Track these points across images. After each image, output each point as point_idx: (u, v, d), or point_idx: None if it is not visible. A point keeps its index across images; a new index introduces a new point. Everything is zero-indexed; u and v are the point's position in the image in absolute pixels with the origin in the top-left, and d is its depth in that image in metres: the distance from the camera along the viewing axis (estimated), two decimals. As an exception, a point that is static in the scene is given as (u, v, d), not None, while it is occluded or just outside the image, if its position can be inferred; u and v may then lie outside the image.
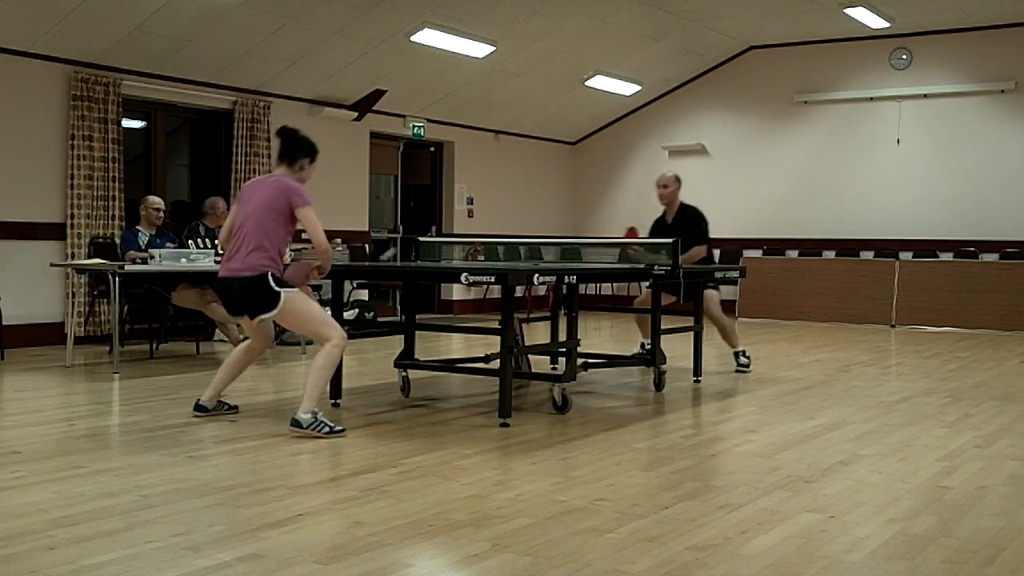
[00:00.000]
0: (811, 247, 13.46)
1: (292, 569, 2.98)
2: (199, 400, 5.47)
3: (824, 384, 7.13)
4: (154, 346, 8.47)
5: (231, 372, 5.44)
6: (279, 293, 5.02)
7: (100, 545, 3.18)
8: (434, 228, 13.44)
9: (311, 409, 4.94)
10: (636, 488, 4.03)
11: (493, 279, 5.15)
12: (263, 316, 5.09)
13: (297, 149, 5.23)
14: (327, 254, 5.17)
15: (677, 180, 7.89)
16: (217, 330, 9.01)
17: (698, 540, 3.32)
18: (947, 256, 12.60)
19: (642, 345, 8.08)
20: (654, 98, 14.63)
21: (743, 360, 7.76)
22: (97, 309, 9.08)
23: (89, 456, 4.50)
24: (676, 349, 8.07)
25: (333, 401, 5.87)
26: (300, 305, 5.07)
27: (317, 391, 4.98)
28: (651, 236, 7.88)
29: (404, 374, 6.22)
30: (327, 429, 4.92)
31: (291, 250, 8.54)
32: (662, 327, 6.61)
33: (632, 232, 7.91)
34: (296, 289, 5.11)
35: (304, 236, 11.26)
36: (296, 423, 4.93)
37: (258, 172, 10.53)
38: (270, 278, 5.01)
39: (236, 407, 5.58)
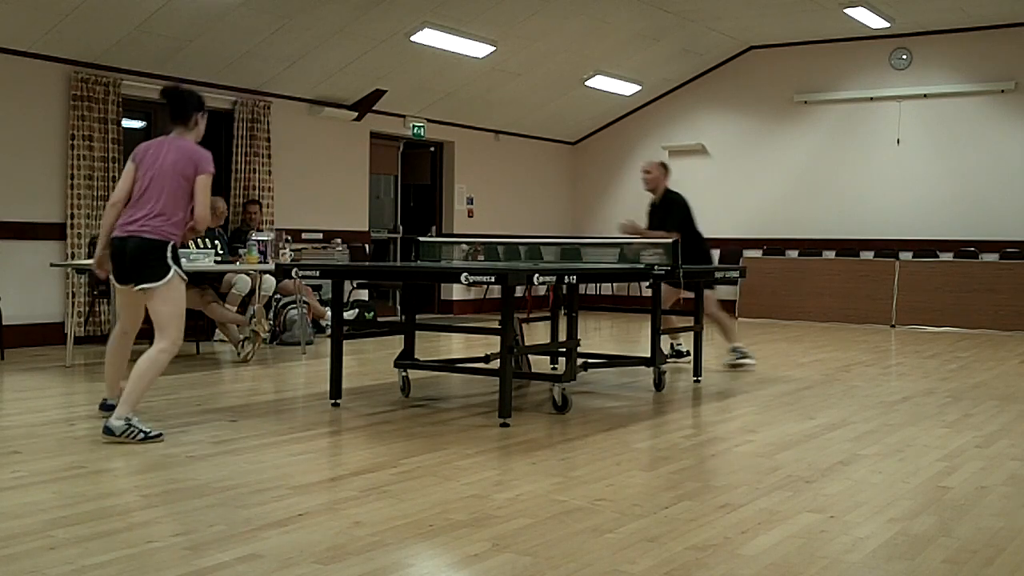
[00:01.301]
0: (811, 247, 13.45)
1: (292, 569, 2.98)
2: (106, 399, 5.35)
3: (824, 384, 7.13)
4: (154, 346, 8.46)
5: (117, 364, 5.28)
6: (170, 268, 4.81)
7: (100, 545, 3.18)
8: (434, 228, 13.44)
9: (125, 415, 4.71)
10: (636, 488, 4.03)
11: (493, 279, 5.15)
12: (148, 286, 4.80)
13: (188, 106, 5.03)
14: (203, 224, 4.96)
15: (662, 166, 8.06)
16: (217, 330, 9.01)
17: (698, 540, 3.32)
18: (947, 256, 12.60)
19: (672, 346, 8.14)
20: (654, 98, 14.63)
21: (731, 357, 7.81)
22: (97, 309, 9.08)
23: (89, 456, 4.50)
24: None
25: (333, 401, 5.87)
26: (176, 293, 4.85)
27: (135, 396, 4.74)
28: (646, 219, 8.09)
29: (404, 374, 6.22)
30: (142, 436, 4.69)
31: (291, 249, 8.55)
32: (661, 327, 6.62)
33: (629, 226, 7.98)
34: (186, 278, 4.95)
35: (304, 237, 11.25)
36: (108, 430, 4.70)
37: (258, 172, 10.53)
38: (170, 249, 4.82)
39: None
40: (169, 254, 4.83)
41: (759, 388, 6.91)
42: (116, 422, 4.72)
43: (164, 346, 4.81)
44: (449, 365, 6.48)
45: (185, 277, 4.97)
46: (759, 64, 13.90)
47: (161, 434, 4.80)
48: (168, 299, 4.84)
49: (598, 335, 10.78)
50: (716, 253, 13.81)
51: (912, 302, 12.27)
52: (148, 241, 4.80)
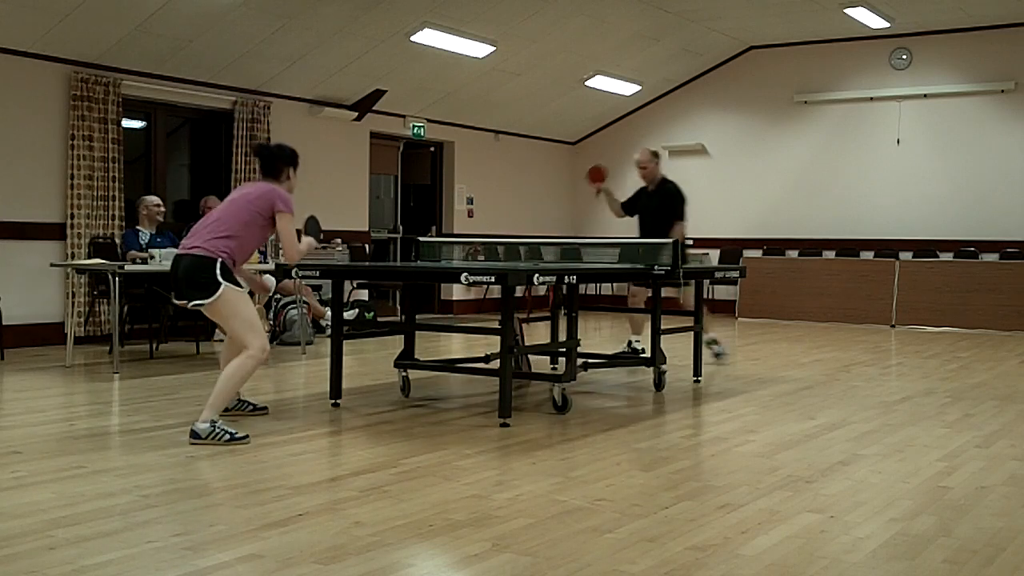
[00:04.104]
0: (811, 247, 13.45)
1: (292, 569, 2.98)
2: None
3: (824, 384, 7.13)
4: (154, 346, 8.47)
5: None
6: (220, 284, 4.84)
7: (100, 545, 3.18)
8: (434, 228, 13.44)
9: (210, 419, 4.78)
10: (636, 488, 4.03)
11: (493, 279, 5.15)
12: (198, 303, 4.89)
13: (278, 161, 5.26)
14: (293, 260, 5.16)
15: (654, 156, 8.18)
16: (217, 330, 9.01)
17: (698, 540, 3.32)
18: (947, 256, 12.59)
19: (629, 343, 8.21)
20: (654, 98, 14.63)
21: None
22: (97, 309, 9.08)
23: (89, 456, 4.50)
24: (676, 349, 8.06)
25: (333, 401, 5.87)
26: (238, 305, 4.90)
27: (220, 400, 4.83)
28: (631, 204, 8.23)
29: (404, 374, 6.22)
30: (227, 437, 4.75)
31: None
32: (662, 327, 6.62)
33: (597, 173, 8.10)
34: (242, 289, 4.99)
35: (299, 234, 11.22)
36: (195, 434, 4.76)
37: (258, 172, 10.51)
38: (219, 266, 4.86)
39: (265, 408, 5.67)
40: (218, 270, 4.88)
41: (759, 388, 6.91)
42: (202, 425, 4.77)
43: (249, 352, 4.88)
44: (449, 365, 6.48)
45: (241, 287, 5.04)
46: (759, 64, 13.90)
47: (247, 436, 4.83)
48: (227, 310, 4.91)
49: (598, 335, 10.77)
50: (716, 253, 13.84)
51: (912, 302, 12.27)
52: (198, 258, 4.91)
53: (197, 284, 4.87)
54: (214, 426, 4.76)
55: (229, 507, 3.68)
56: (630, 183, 14.83)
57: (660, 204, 8.01)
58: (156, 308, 8.76)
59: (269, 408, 5.74)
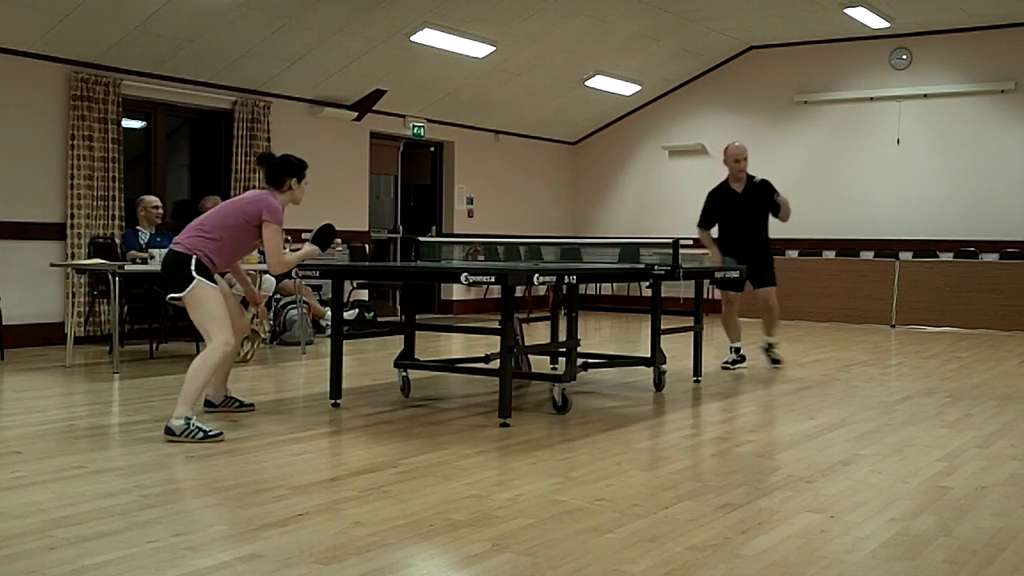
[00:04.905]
0: (811, 247, 13.45)
1: (292, 569, 2.98)
2: (206, 396, 5.45)
3: (824, 384, 7.13)
4: (154, 346, 8.47)
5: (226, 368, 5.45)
6: (193, 278, 4.89)
7: (100, 545, 3.18)
8: (434, 228, 13.44)
9: (184, 415, 4.78)
10: (636, 488, 4.03)
11: (493, 279, 5.15)
12: (174, 296, 4.97)
13: (281, 172, 5.23)
14: (276, 271, 5.23)
15: (744, 148, 7.89)
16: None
17: (698, 540, 3.32)
18: (947, 256, 12.59)
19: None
20: (654, 98, 14.62)
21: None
22: (97, 309, 9.08)
23: (89, 456, 4.51)
24: (676, 349, 8.06)
25: (333, 401, 5.87)
26: (206, 299, 4.92)
27: (190, 395, 4.82)
28: (716, 207, 7.86)
29: (404, 374, 6.22)
30: (201, 434, 4.74)
31: (291, 249, 8.53)
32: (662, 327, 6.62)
33: None
34: (216, 285, 5.01)
35: (304, 237, 11.23)
36: (169, 431, 4.77)
37: (258, 172, 10.52)
38: (193, 262, 4.91)
39: (252, 405, 5.65)
40: (193, 265, 4.92)
41: (759, 388, 6.91)
42: (176, 422, 4.78)
43: (212, 345, 4.92)
44: (449, 365, 6.48)
45: (215, 285, 5.04)
46: (759, 64, 13.89)
47: (221, 433, 4.82)
48: (197, 304, 4.94)
49: (598, 335, 10.77)
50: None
51: (912, 302, 12.26)
52: (175, 254, 4.99)
53: (174, 279, 4.96)
54: (188, 423, 4.77)
55: (229, 507, 3.68)
56: (633, 183, 14.95)
57: (757, 200, 7.81)
58: (156, 308, 8.75)
59: (269, 408, 5.73)
